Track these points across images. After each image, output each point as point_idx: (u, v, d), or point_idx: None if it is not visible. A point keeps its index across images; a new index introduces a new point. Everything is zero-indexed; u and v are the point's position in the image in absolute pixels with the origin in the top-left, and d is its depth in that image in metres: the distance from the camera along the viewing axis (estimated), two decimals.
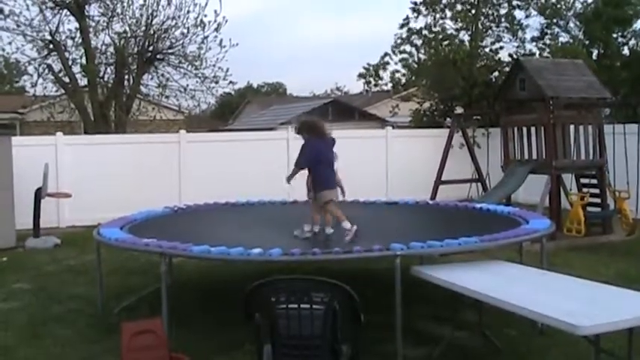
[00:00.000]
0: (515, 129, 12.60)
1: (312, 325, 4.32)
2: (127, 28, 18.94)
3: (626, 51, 24.81)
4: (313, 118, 8.05)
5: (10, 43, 18.50)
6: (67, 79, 18.98)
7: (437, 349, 5.93)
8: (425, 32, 23.83)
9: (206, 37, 18.89)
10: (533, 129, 12.28)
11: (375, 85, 26.71)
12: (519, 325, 6.46)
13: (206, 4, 18.66)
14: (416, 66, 24.11)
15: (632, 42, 25.18)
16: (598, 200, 12.10)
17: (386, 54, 24.98)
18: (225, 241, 6.20)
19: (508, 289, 5.29)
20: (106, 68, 19.39)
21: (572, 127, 12.00)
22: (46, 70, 19.09)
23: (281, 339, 4.39)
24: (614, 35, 24.81)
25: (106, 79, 19.42)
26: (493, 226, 7.11)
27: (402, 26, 24.27)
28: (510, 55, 22.79)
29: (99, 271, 7.53)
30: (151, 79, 19.85)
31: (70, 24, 18.98)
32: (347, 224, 6.92)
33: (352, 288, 4.41)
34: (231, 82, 20.15)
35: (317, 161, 7.09)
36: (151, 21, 18.71)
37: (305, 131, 7.29)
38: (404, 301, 5.54)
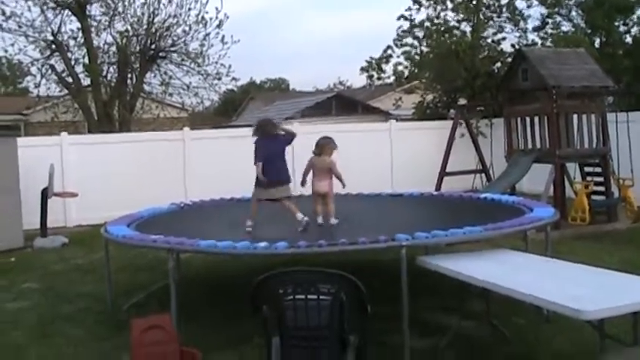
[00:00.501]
0: (519, 119, 12.61)
1: (319, 316, 4.36)
2: (129, 27, 19.03)
3: (628, 39, 24.76)
4: (265, 119, 8.24)
5: (12, 45, 18.64)
6: (70, 79, 19.06)
7: (444, 339, 5.96)
8: (427, 24, 23.81)
9: (208, 34, 18.99)
10: (536, 119, 12.27)
11: (378, 79, 26.68)
12: (526, 314, 6.51)
13: (207, 1, 18.77)
14: (418, 58, 24.09)
15: (635, 30, 25.13)
16: (602, 188, 12.09)
17: (388, 47, 24.96)
18: (231, 236, 6.25)
19: (513, 277, 5.32)
20: (108, 67, 19.48)
21: (575, 116, 12.01)
22: (49, 71, 19.22)
23: (289, 331, 4.43)
24: (616, 23, 24.76)
25: (109, 78, 19.51)
26: (497, 215, 7.16)
27: (404, 18, 24.25)
28: (513, 46, 22.78)
29: (107, 269, 7.58)
30: (154, 77, 19.95)
31: (72, 24, 19.11)
32: (299, 215, 7.14)
33: (358, 279, 4.45)
34: (233, 78, 20.30)
35: (266, 159, 7.24)
36: (153, 19, 18.77)
37: (256, 133, 7.47)
38: (410, 292, 5.58)
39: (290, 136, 7.56)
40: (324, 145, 7.39)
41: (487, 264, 5.83)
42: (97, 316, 7.37)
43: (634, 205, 11.52)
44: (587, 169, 12.47)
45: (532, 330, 6.30)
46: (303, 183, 7.50)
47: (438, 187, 13.81)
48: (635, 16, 25.07)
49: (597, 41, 24.62)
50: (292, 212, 7.23)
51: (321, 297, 4.38)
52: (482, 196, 9.48)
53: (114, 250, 7.94)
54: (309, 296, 4.36)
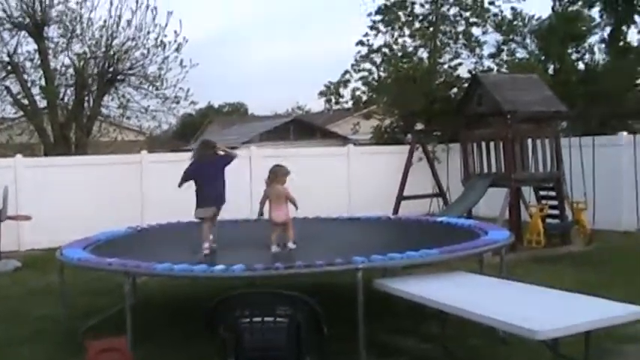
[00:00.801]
0: (475, 144, 12.76)
1: (276, 337, 4.37)
2: (87, 49, 18.88)
3: (581, 66, 25.29)
4: (203, 141, 8.56)
5: None
6: (26, 101, 18.83)
7: None
8: (385, 50, 24.07)
9: (166, 58, 18.89)
10: (492, 143, 12.44)
11: (337, 103, 26.87)
12: (482, 335, 6.55)
13: (166, 25, 18.67)
14: (376, 83, 24.31)
15: (587, 57, 25.69)
16: (557, 212, 12.31)
17: (346, 72, 25.18)
18: (189, 259, 6.23)
19: (469, 298, 5.38)
20: (65, 90, 19.27)
21: (530, 140, 12.21)
22: (4, 92, 18.93)
23: (246, 352, 4.42)
24: (569, 50, 25.29)
25: (65, 100, 19.30)
26: (454, 238, 7.21)
27: (360, 44, 24.48)
28: (469, 72, 23.15)
29: (62, 292, 7.47)
30: (112, 100, 19.76)
31: (29, 45, 18.89)
32: (205, 244, 7.29)
33: (316, 302, 4.47)
34: (192, 102, 20.19)
35: (194, 180, 7.54)
36: (111, 42, 18.65)
37: (193, 155, 7.90)
38: (367, 314, 5.59)
39: (229, 158, 7.82)
40: (277, 172, 7.38)
41: (443, 286, 5.89)
42: (54, 339, 7.26)
43: (587, 228, 11.73)
44: (541, 192, 12.66)
45: (488, 352, 6.35)
46: (260, 214, 7.56)
47: (396, 211, 13.89)
48: (586, 44, 25.66)
49: (551, 68, 25.09)
50: (204, 235, 7.39)
51: (277, 319, 4.39)
52: (439, 219, 9.57)
53: (70, 275, 7.84)
54: (265, 318, 4.37)
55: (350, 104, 26.69)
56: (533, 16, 26.38)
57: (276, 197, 7.32)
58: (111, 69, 18.98)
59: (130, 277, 6.46)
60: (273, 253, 7.14)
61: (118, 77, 19.26)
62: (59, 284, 7.49)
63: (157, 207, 14.38)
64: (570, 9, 25.73)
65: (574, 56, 25.68)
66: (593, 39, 25.81)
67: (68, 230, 10.63)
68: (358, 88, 25.38)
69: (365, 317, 5.57)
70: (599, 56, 25.60)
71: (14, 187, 14.11)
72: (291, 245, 7.32)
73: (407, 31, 24.19)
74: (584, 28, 25.46)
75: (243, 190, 15.75)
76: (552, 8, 26.13)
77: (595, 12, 25.81)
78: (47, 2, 18.33)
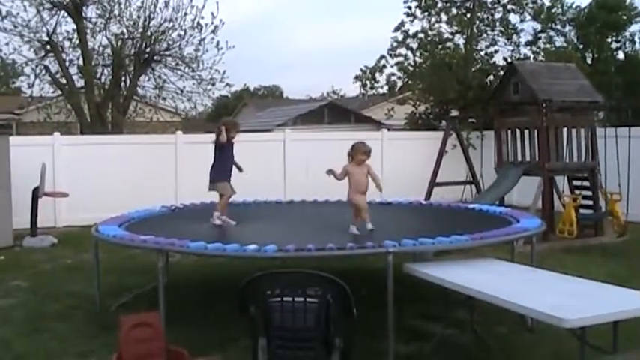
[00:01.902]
0: (509, 132, 12.70)
1: (305, 318, 4.43)
2: (125, 30, 19.05)
3: (620, 55, 24.98)
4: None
5: (7, 44, 18.62)
6: (64, 80, 19.07)
7: (428, 345, 6.04)
8: (420, 36, 23.95)
9: (203, 39, 18.98)
10: (526, 132, 12.39)
11: (372, 88, 26.73)
12: (510, 323, 6.59)
13: (203, 7, 18.76)
14: (412, 69, 24.21)
15: (627, 46, 25.36)
16: (590, 202, 12.23)
17: (382, 57, 25.04)
18: (221, 239, 6.32)
19: (498, 285, 5.41)
20: (103, 69, 19.51)
21: (564, 130, 12.13)
22: (43, 71, 19.20)
23: (275, 332, 4.49)
24: (609, 40, 24.98)
25: (102, 80, 19.53)
26: (485, 225, 7.21)
27: (397, 29, 24.37)
28: (505, 59, 22.96)
29: (97, 268, 7.61)
30: (148, 80, 19.93)
31: (68, 25, 19.10)
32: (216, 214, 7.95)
33: (346, 284, 4.52)
34: (227, 84, 20.25)
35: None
36: (149, 23, 18.79)
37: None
38: (396, 299, 5.65)
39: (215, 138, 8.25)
40: (358, 150, 7.03)
41: (472, 272, 5.91)
42: (85, 315, 7.42)
43: (620, 219, 11.63)
44: (575, 182, 12.59)
45: (515, 339, 6.38)
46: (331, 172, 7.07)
47: (428, 197, 13.89)
48: (627, 33, 25.31)
49: (589, 57, 24.82)
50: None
51: (308, 299, 4.44)
52: (471, 206, 9.57)
53: (103, 253, 8.00)
54: (296, 298, 4.43)
55: (385, 89, 26.56)
56: (572, 4, 26.11)
57: (358, 176, 6.95)
58: (148, 50, 19.13)
59: (163, 254, 6.57)
60: (352, 233, 6.88)
61: (155, 58, 19.41)
62: (93, 260, 7.63)
63: (190, 187, 14.49)
64: None
65: (613, 45, 25.37)
66: (634, 28, 25.49)
67: (103, 208, 10.78)
68: (394, 74, 25.29)
69: (394, 301, 5.63)
70: None
71: (52, 164, 14.33)
72: (369, 226, 6.98)
73: (444, 17, 24.02)
74: (624, 17, 25.11)
75: (277, 171, 15.90)
76: None
77: (636, 0, 25.50)
78: None
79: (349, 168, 6.98)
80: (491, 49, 23.89)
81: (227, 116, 11.63)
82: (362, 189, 7.02)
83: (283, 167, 15.93)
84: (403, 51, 24.42)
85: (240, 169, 8.27)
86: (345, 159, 7.03)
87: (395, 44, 24.53)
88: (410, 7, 24.15)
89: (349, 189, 7.03)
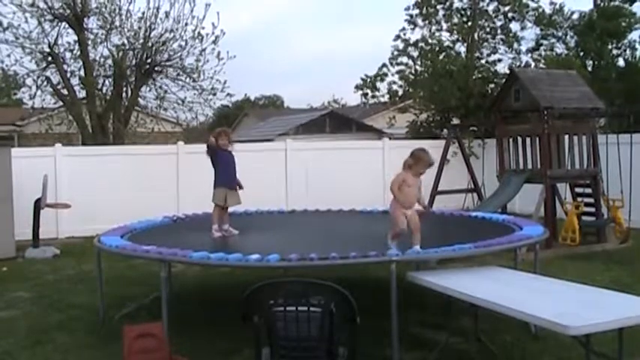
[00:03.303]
0: (511, 139, 12.70)
1: (309, 327, 4.41)
2: (126, 41, 19.05)
3: (621, 62, 25.00)
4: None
5: (8, 56, 18.58)
6: (65, 92, 19.07)
7: (432, 354, 6.02)
8: (421, 44, 23.99)
9: (204, 50, 19.00)
10: (528, 139, 12.38)
11: (373, 97, 26.77)
12: (514, 331, 6.56)
13: (204, 17, 18.78)
14: (413, 77, 24.24)
15: (627, 53, 25.38)
16: (592, 209, 12.21)
17: (383, 65, 25.08)
18: (224, 249, 6.31)
19: (501, 292, 5.38)
20: (104, 80, 19.49)
21: (566, 136, 12.13)
22: (45, 82, 19.19)
23: (279, 341, 4.47)
24: (609, 47, 25.00)
25: (104, 91, 19.52)
26: (488, 233, 7.20)
27: (398, 38, 24.42)
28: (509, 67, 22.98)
29: (99, 279, 7.60)
30: (149, 91, 19.91)
31: (69, 36, 19.10)
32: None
33: (349, 293, 4.50)
34: (228, 94, 20.26)
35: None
36: (149, 33, 18.81)
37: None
38: (400, 307, 5.63)
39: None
40: (420, 158, 6.66)
41: (476, 280, 5.89)
42: (88, 326, 7.40)
43: (623, 226, 11.62)
44: (577, 189, 12.58)
45: (519, 347, 6.35)
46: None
47: (430, 205, 13.83)
48: (627, 40, 25.34)
49: (590, 64, 24.84)
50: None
51: (311, 308, 4.43)
52: (473, 214, 9.56)
53: (105, 263, 7.98)
54: (299, 307, 4.41)
55: (386, 98, 26.57)
56: (573, 11, 26.14)
57: (413, 189, 6.44)
58: (149, 60, 19.14)
59: (166, 264, 6.56)
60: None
61: (156, 68, 19.42)
62: (96, 271, 7.62)
63: (192, 197, 14.50)
64: (612, 4, 25.43)
65: (614, 52, 25.38)
66: (634, 35, 25.51)
67: (105, 219, 10.79)
68: (395, 82, 25.31)
69: (397, 310, 5.61)
70: None
71: (54, 175, 14.36)
72: (417, 248, 6.15)
73: (444, 26, 24.08)
74: (624, 24, 25.14)
75: (279, 181, 15.89)
76: (594, 3, 25.87)
77: (636, 7, 25.50)
78: None
79: (407, 177, 6.41)
80: (493, 57, 23.97)
81: (227, 127, 11.68)
82: (410, 204, 6.38)
83: (285, 177, 15.95)
84: (404, 59, 24.48)
85: (239, 187, 8.26)
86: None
87: (396, 52, 24.58)
88: (411, 16, 24.22)
89: (393, 201, 6.33)
